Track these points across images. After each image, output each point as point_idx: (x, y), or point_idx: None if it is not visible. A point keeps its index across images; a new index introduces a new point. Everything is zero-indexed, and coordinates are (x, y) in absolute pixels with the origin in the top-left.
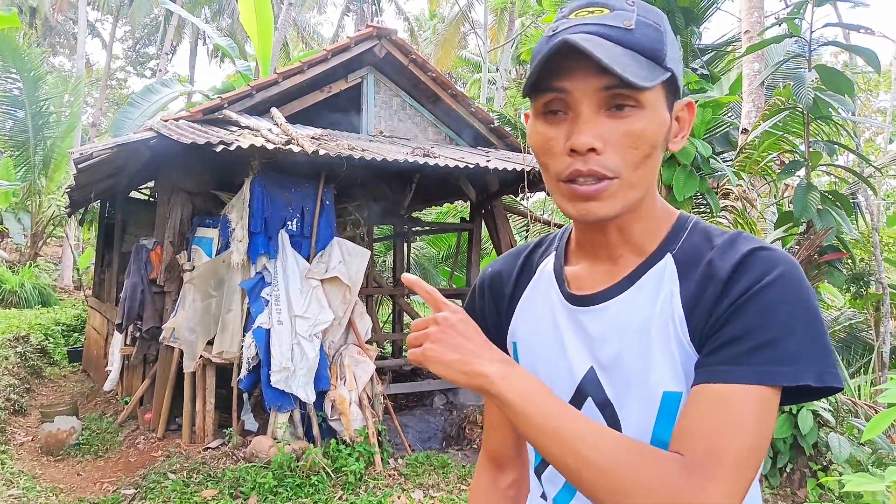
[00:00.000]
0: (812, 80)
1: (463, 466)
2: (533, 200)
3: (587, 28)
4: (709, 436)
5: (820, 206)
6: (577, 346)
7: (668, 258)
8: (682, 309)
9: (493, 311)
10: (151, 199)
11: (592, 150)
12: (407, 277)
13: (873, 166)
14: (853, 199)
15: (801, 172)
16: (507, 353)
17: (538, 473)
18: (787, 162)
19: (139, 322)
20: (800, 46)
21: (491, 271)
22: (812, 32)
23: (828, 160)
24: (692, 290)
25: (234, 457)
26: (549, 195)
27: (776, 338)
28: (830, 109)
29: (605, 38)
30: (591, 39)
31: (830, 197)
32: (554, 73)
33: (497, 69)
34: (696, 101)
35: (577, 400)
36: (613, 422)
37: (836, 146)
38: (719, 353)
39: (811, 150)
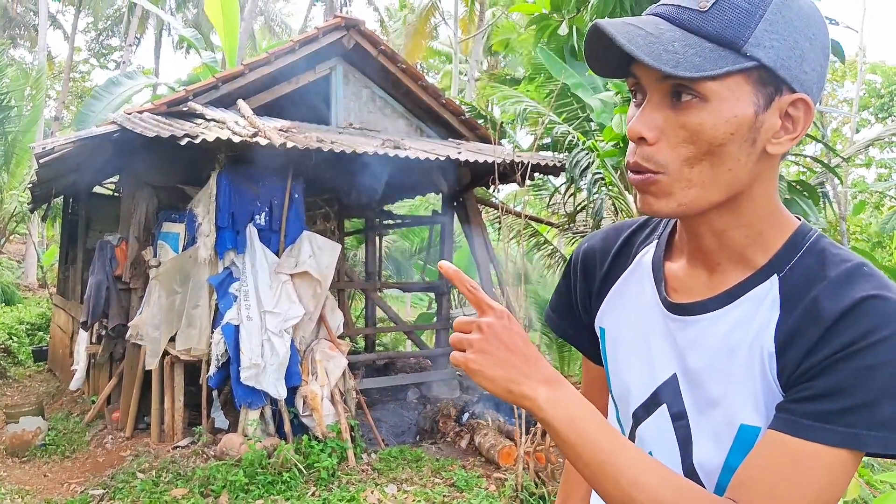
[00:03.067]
0: None
1: (437, 460)
2: (505, 193)
3: (660, 9)
4: (772, 491)
5: (788, 196)
6: (665, 350)
7: (774, 281)
8: (774, 344)
9: (584, 289)
10: (116, 194)
11: (643, 139)
12: (446, 267)
13: (840, 156)
14: (821, 188)
15: None
16: (595, 336)
17: None
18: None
19: (105, 320)
20: None
21: (587, 247)
22: None
23: (796, 150)
24: (790, 325)
25: (205, 455)
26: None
27: (872, 400)
28: None
29: (669, 21)
30: (645, 23)
31: (798, 186)
32: (631, 56)
33: (468, 60)
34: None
35: (651, 404)
36: (685, 435)
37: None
38: (805, 405)
39: None
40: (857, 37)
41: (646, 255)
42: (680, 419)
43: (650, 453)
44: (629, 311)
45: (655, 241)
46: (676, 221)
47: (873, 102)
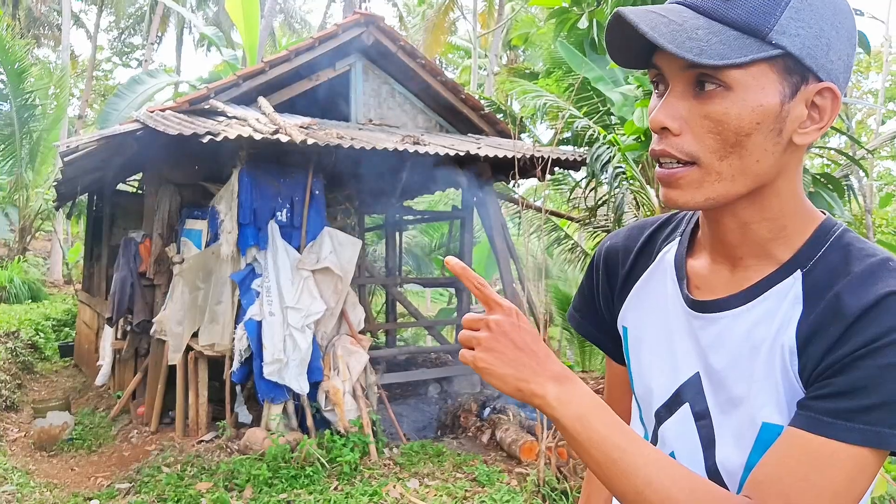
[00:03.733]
0: None
1: (458, 454)
2: (525, 187)
3: None
4: (790, 489)
5: (812, 189)
6: (687, 348)
7: (798, 276)
8: (796, 340)
9: (607, 288)
10: (139, 192)
11: (666, 129)
12: (453, 263)
13: (865, 149)
14: (845, 181)
15: None
16: (618, 335)
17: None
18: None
19: (129, 316)
20: None
21: (609, 245)
22: None
23: (820, 143)
24: (812, 321)
25: (228, 449)
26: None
27: (895, 399)
28: None
29: (692, 9)
30: (668, 11)
31: (822, 179)
32: (653, 46)
33: (487, 55)
34: None
35: (674, 403)
36: (708, 434)
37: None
38: (826, 402)
39: None
40: (882, 27)
41: (668, 253)
42: (703, 419)
43: (672, 453)
44: (652, 309)
45: (678, 239)
46: (699, 218)
47: None
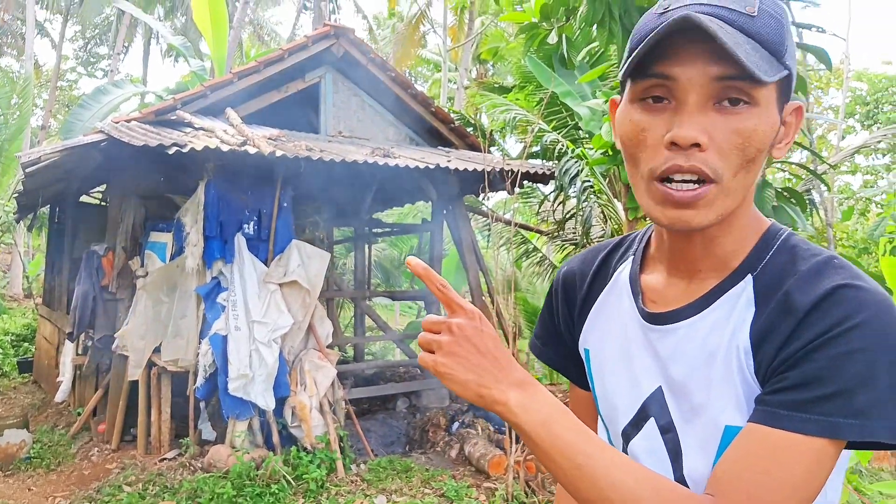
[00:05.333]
0: None
1: (426, 470)
2: (495, 200)
3: (705, 8)
4: (750, 484)
5: (775, 203)
6: (647, 363)
7: (748, 280)
8: (750, 340)
9: (567, 312)
10: (103, 204)
11: (696, 145)
12: (414, 264)
13: (826, 163)
14: (808, 195)
15: None
16: (580, 360)
17: None
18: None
19: (91, 331)
20: None
21: (566, 271)
22: None
23: (783, 157)
24: (764, 321)
25: (192, 467)
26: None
27: (848, 388)
28: None
29: (726, 22)
30: (712, 20)
31: (786, 193)
32: (662, 56)
33: (457, 69)
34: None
35: (640, 419)
36: (675, 447)
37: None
38: (782, 395)
39: None
40: (843, 45)
41: (623, 272)
42: (668, 431)
43: None
44: (611, 328)
45: (632, 257)
46: (651, 235)
47: (858, 110)
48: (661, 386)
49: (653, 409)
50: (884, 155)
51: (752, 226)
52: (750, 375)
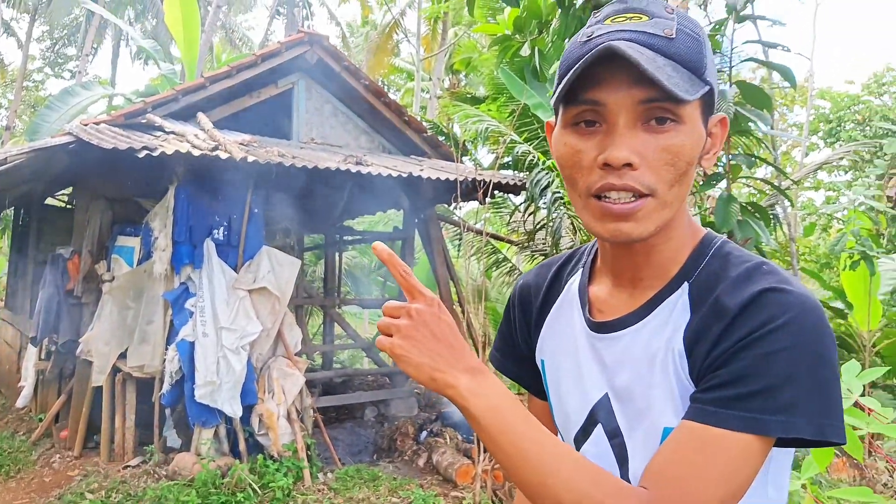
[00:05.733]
0: (733, 95)
1: (394, 479)
2: (466, 210)
3: (626, 35)
4: (680, 477)
5: (740, 217)
6: (594, 371)
7: (685, 287)
8: (683, 343)
9: (524, 324)
10: (69, 206)
11: (628, 165)
12: (380, 249)
13: (790, 179)
14: (772, 210)
15: (723, 184)
16: (538, 371)
17: None
18: (709, 174)
19: (55, 335)
20: (721, 62)
21: (522, 284)
22: (733, 49)
23: (747, 173)
24: (696, 324)
25: (156, 475)
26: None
27: (773, 386)
28: (750, 123)
29: (646, 47)
30: (632, 47)
31: (750, 208)
32: (589, 82)
33: (430, 78)
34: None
35: (588, 425)
36: (621, 452)
37: (755, 159)
38: (711, 393)
39: (732, 162)
40: (807, 63)
41: (573, 284)
42: (615, 437)
43: None
44: (563, 338)
45: (581, 270)
46: (597, 248)
47: (822, 127)
48: (607, 393)
49: (600, 416)
50: (846, 172)
51: (688, 234)
52: (685, 377)
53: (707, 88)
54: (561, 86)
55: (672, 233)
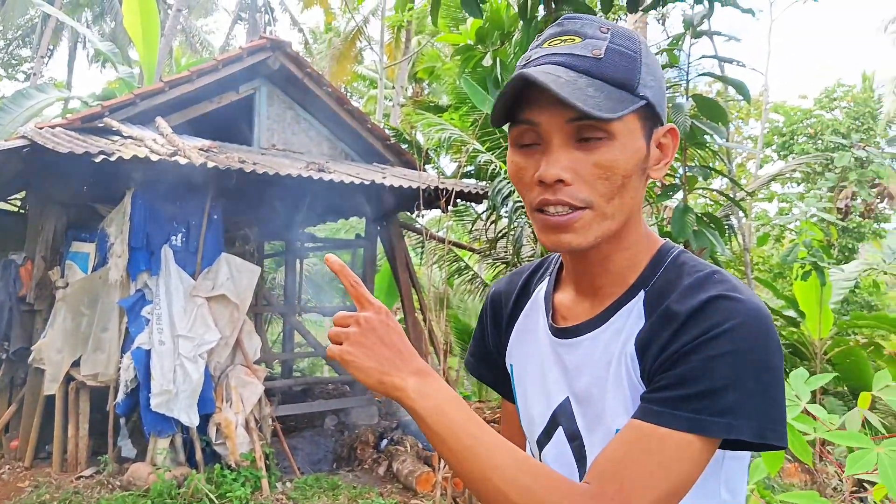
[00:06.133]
0: (689, 108)
1: (353, 487)
2: (428, 218)
3: (555, 59)
4: (621, 473)
5: (696, 228)
6: (557, 375)
7: (641, 295)
8: (635, 347)
9: (495, 331)
10: (22, 211)
11: (561, 181)
12: (332, 261)
13: (744, 190)
14: (726, 220)
15: (679, 195)
16: (508, 374)
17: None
18: (666, 185)
19: (6, 343)
20: (678, 76)
21: (494, 291)
22: (690, 63)
23: (703, 184)
24: (648, 330)
25: (110, 485)
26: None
27: (716, 388)
28: (706, 136)
29: (570, 69)
30: (553, 71)
31: (705, 219)
32: (523, 104)
33: (393, 86)
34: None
35: (550, 428)
36: (581, 453)
37: (711, 171)
38: (658, 394)
39: (688, 174)
40: (761, 78)
41: (540, 291)
42: (575, 439)
43: None
44: (529, 344)
45: (548, 278)
46: (562, 257)
47: (776, 140)
48: (568, 397)
49: (561, 419)
50: (798, 184)
51: (644, 244)
52: (637, 380)
53: (641, 103)
54: (494, 110)
55: (625, 243)
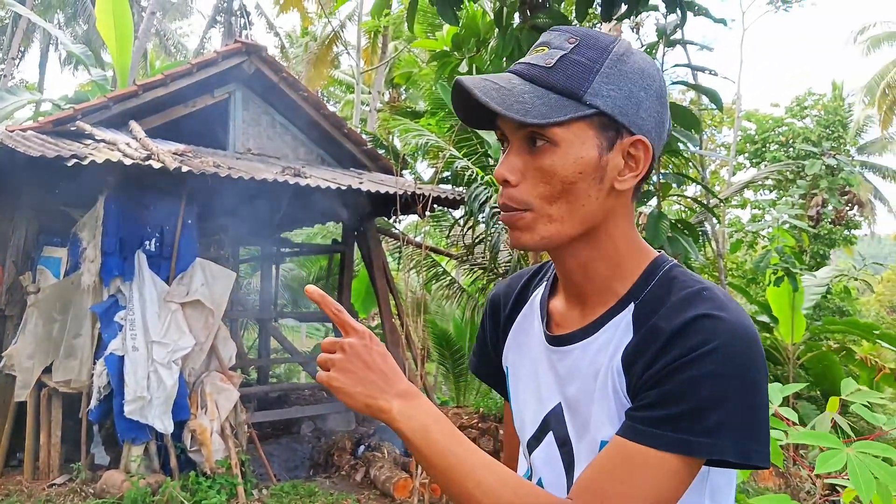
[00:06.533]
0: None
1: (330, 494)
2: (406, 223)
3: (517, 67)
4: (604, 490)
5: (670, 234)
6: (550, 380)
7: (631, 308)
8: (622, 362)
9: (493, 332)
10: None
11: (506, 182)
12: (312, 291)
13: (717, 198)
14: (700, 227)
15: (654, 202)
16: (504, 375)
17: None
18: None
19: None
20: None
21: (493, 293)
22: (663, 71)
23: (677, 191)
24: (635, 344)
25: (83, 493)
26: (422, 218)
27: (700, 408)
28: (680, 144)
29: (522, 77)
30: (500, 79)
31: (679, 225)
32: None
33: (370, 91)
34: None
35: (541, 432)
36: (569, 459)
37: (684, 178)
38: (642, 412)
39: (662, 181)
40: (734, 87)
41: (537, 296)
42: (565, 445)
43: (540, 480)
44: (524, 347)
45: (545, 283)
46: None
47: (748, 148)
48: (560, 402)
49: (552, 424)
50: (770, 191)
51: (633, 255)
52: (623, 394)
53: (589, 111)
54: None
55: (603, 251)
